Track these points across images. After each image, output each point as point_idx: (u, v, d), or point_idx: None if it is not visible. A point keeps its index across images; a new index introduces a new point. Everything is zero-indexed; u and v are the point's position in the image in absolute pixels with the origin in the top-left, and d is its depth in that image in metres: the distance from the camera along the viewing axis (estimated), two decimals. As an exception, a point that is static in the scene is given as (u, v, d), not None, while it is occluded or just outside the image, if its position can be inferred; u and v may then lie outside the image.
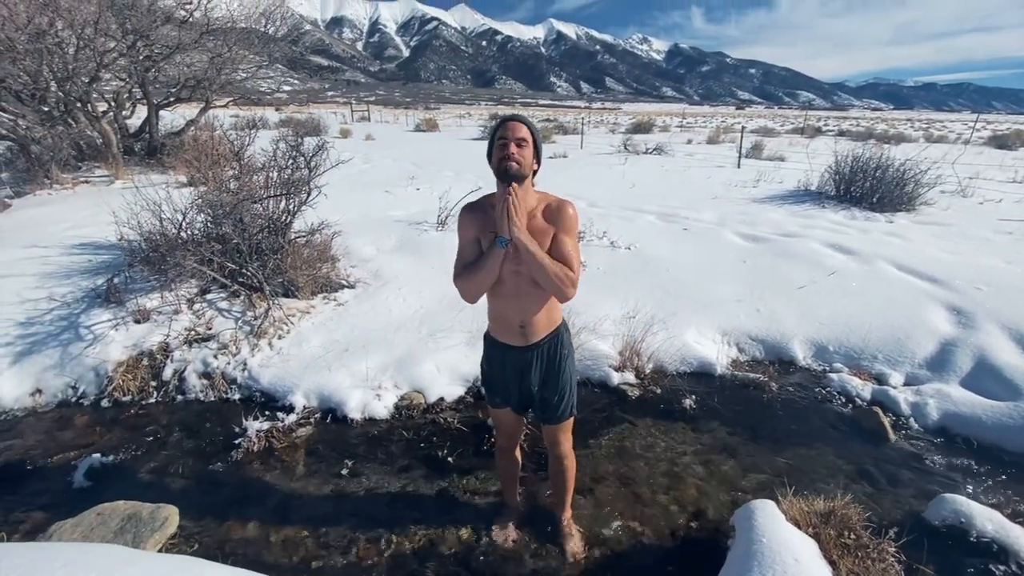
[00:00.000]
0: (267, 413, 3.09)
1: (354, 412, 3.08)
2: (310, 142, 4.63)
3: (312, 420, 3.07)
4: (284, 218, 4.35)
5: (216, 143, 5.98)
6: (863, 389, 3.40)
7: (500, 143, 1.61)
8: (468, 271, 1.70)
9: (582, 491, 2.54)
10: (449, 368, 3.45)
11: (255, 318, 3.81)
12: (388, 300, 4.26)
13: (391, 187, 8.77)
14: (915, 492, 2.55)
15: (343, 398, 3.13)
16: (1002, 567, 2.03)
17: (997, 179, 9.99)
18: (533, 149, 1.63)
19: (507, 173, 1.59)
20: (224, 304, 3.97)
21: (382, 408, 3.13)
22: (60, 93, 8.36)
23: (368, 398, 3.16)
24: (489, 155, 1.67)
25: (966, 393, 3.26)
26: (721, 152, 15.64)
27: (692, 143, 19.20)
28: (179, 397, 3.33)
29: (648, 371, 3.54)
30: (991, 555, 2.08)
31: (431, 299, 4.28)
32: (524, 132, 1.60)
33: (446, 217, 6.00)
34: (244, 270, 3.99)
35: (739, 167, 11.89)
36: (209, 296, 4.03)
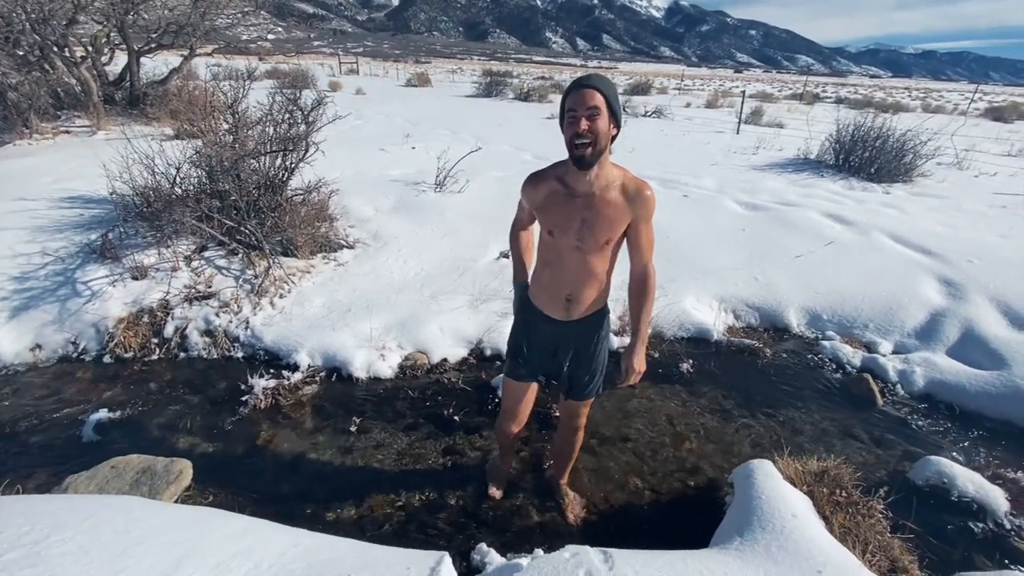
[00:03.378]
0: (272, 371, 3.11)
1: (359, 371, 3.12)
2: (307, 96, 4.48)
3: (318, 379, 3.10)
4: (281, 175, 4.25)
5: (209, 94, 5.73)
6: (854, 357, 3.50)
7: (570, 117, 1.46)
8: (511, 245, 1.99)
9: (584, 449, 2.62)
10: (452, 330, 3.48)
11: (255, 276, 3.78)
12: (388, 262, 4.24)
13: (386, 145, 8.56)
14: (901, 454, 2.68)
15: (348, 357, 3.15)
16: (980, 524, 2.17)
17: (992, 152, 10.02)
18: (609, 113, 1.46)
19: (581, 161, 1.49)
20: (223, 262, 3.93)
21: (387, 368, 3.17)
22: (36, 36, 7.91)
23: (373, 358, 3.19)
24: (562, 124, 1.52)
25: (952, 362, 3.37)
26: (720, 117, 15.42)
27: (691, 107, 18.86)
28: (182, 354, 3.33)
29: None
30: (971, 514, 2.22)
31: (431, 262, 4.27)
32: (596, 100, 1.43)
33: (444, 178, 5.90)
34: (242, 227, 3.93)
35: (738, 133, 11.76)
36: (207, 254, 3.97)
